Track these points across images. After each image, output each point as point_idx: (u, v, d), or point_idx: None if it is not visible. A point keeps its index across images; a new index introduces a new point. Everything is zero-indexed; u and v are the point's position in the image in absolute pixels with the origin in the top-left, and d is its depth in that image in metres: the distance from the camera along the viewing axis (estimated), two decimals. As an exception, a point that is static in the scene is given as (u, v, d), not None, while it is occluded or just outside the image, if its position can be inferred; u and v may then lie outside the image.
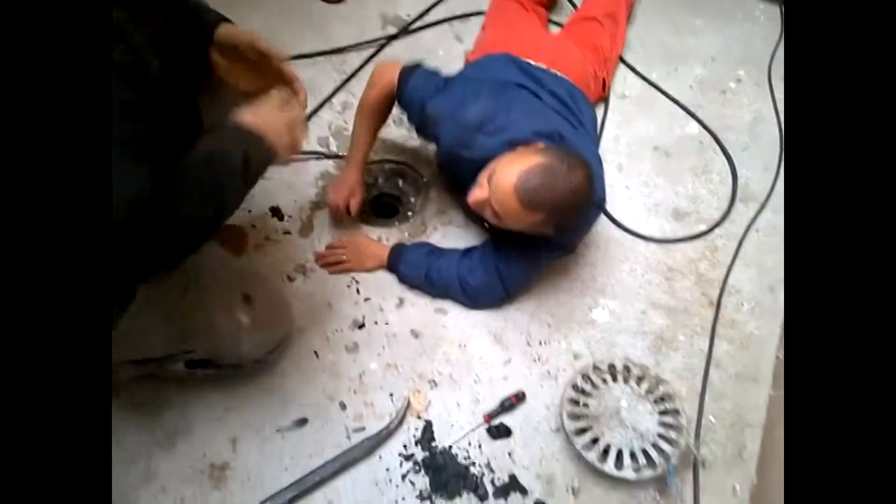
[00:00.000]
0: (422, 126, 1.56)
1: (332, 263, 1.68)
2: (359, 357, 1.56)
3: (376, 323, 1.62)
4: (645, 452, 1.32)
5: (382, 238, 1.78)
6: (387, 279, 1.69)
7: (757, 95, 2.09)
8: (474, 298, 1.60)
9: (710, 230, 1.79)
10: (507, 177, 1.24)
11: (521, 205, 1.24)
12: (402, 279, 1.66)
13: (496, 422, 1.44)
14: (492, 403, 1.47)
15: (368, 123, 1.65)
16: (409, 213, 1.87)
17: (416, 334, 1.60)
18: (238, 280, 1.38)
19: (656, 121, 2.05)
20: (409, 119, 1.59)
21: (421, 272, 1.61)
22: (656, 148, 1.99)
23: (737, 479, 1.35)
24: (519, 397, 1.47)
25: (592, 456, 1.32)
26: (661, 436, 1.34)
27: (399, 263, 1.64)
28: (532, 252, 1.52)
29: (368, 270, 1.68)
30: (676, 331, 1.59)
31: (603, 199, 1.52)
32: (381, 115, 1.65)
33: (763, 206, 1.83)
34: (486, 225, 1.61)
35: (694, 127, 2.05)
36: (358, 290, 1.68)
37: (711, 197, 1.88)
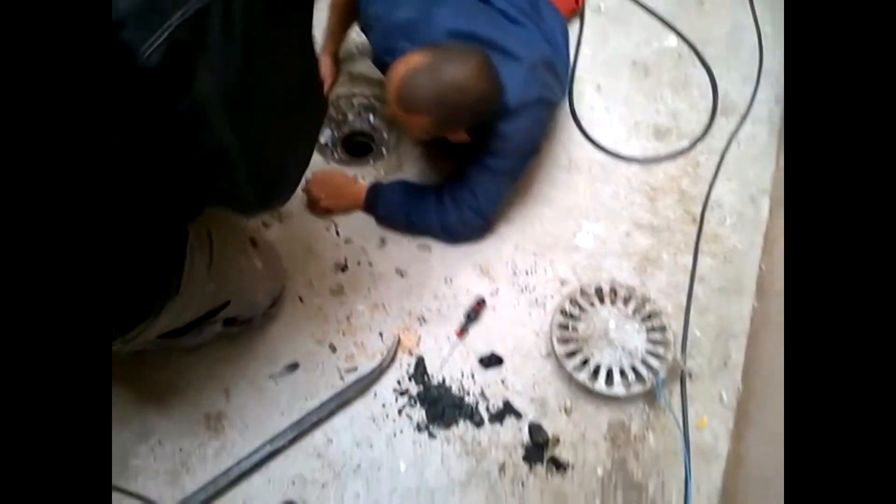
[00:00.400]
0: (366, 35, 1.47)
1: (308, 204, 1.62)
2: (345, 299, 1.53)
3: (359, 264, 1.58)
4: (634, 369, 1.34)
5: (358, 177, 1.71)
6: (366, 219, 1.64)
7: (735, 3, 2.00)
8: (455, 236, 1.56)
9: (692, 147, 1.75)
10: (390, 84, 1.20)
11: (401, 109, 1.21)
12: (381, 221, 1.61)
13: (486, 354, 1.44)
14: (482, 335, 1.47)
15: (337, 19, 1.61)
16: (384, 150, 1.80)
17: (401, 273, 1.57)
18: (239, 226, 1.32)
19: (633, 35, 1.97)
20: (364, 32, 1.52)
21: (401, 215, 1.57)
22: (634, 63, 1.92)
23: (723, 387, 1.38)
24: (481, 303, 1.49)
25: (583, 376, 1.34)
26: (649, 352, 1.36)
27: (377, 205, 1.59)
28: (484, 167, 1.44)
29: (346, 211, 1.63)
30: (661, 250, 1.58)
31: (545, 98, 1.43)
32: (349, 14, 1.57)
33: (744, 118, 1.78)
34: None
35: (672, 40, 1.97)
36: (337, 232, 1.63)
37: (692, 112, 1.83)
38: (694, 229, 1.61)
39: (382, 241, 1.61)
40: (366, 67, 1.87)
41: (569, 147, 1.76)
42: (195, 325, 1.15)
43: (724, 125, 1.80)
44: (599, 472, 1.29)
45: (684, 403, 1.35)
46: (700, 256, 1.56)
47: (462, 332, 1.45)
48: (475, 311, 1.47)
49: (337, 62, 1.85)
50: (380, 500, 1.27)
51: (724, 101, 1.84)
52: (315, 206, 1.62)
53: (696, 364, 1.41)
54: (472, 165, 1.45)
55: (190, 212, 0.96)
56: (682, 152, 1.74)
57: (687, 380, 1.38)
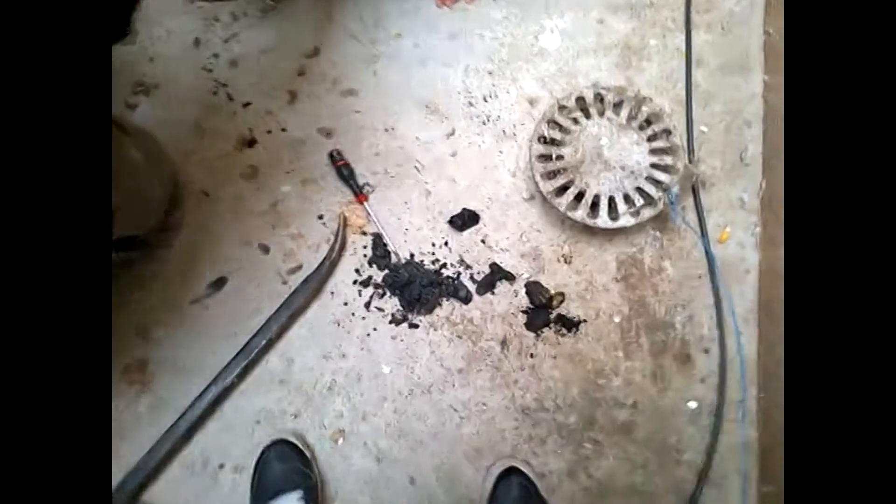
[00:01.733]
0: None
1: None
2: (263, 182, 1.14)
3: (270, 132, 1.17)
4: (640, 190, 1.05)
5: (238, 14, 1.22)
6: (264, 69, 1.19)
7: None
8: None
9: None
10: None
11: None
12: None
13: (457, 213, 1.12)
14: (446, 190, 1.14)
15: None
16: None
17: (326, 132, 1.17)
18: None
19: None
20: None
21: None
22: None
23: (742, 188, 1.11)
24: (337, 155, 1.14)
25: (580, 214, 1.04)
26: (654, 165, 1.05)
27: None
28: None
29: None
30: (644, 33, 1.20)
31: None
32: None
33: None
34: None
35: None
36: (230, 96, 1.18)
37: None
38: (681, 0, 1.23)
39: (292, 97, 1.18)
40: None
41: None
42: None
43: None
44: (617, 319, 1.06)
45: (701, 217, 1.09)
46: (693, 32, 1.19)
47: (362, 195, 1.12)
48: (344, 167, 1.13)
49: None
50: (368, 413, 1.03)
51: None
52: None
53: (708, 167, 1.12)
54: None
55: None
56: None
57: (699, 189, 1.11)
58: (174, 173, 1.10)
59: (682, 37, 1.19)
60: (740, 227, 1.09)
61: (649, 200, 1.04)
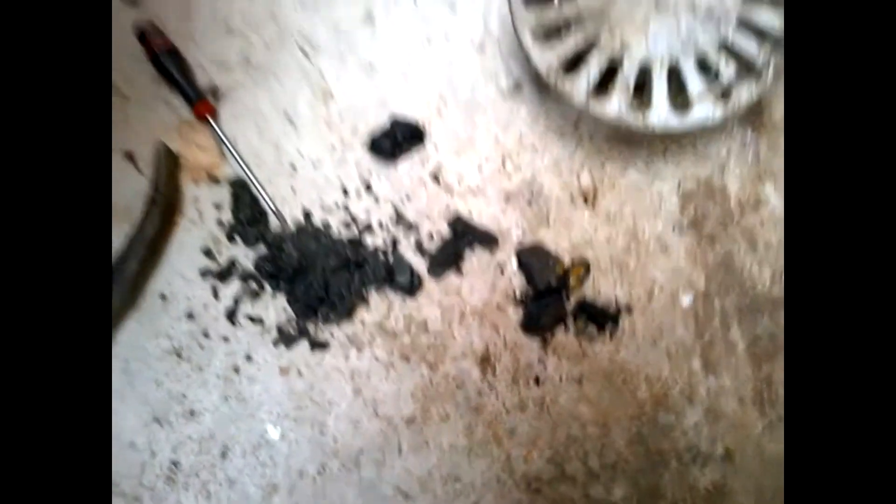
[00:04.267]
0: None
1: None
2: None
3: None
4: (727, 49, 0.51)
5: None
6: None
7: None
8: None
9: None
10: None
11: None
12: None
13: (382, 129, 0.57)
14: (359, 87, 0.59)
15: None
16: None
17: (130, -1, 0.59)
18: None
19: None
20: None
21: None
22: None
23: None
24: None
25: (615, 106, 0.51)
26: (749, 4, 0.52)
27: None
28: None
29: None
30: None
31: None
32: None
33: None
34: None
35: None
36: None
37: None
38: None
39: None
40: None
41: None
42: None
43: None
44: (686, 301, 0.56)
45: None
46: None
47: (205, 103, 0.57)
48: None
49: None
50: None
51: None
52: None
53: None
54: None
55: None
56: None
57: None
58: None
59: None
60: None
61: (749, 67, 0.51)
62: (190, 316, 0.54)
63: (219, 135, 0.57)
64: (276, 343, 0.54)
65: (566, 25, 0.52)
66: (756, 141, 0.56)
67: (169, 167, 0.56)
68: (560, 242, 0.55)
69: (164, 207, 0.55)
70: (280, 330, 0.55)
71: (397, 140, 0.57)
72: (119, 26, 0.58)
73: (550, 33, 0.52)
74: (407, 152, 0.57)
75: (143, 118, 0.58)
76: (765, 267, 0.55)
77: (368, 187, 0.57)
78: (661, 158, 0.56)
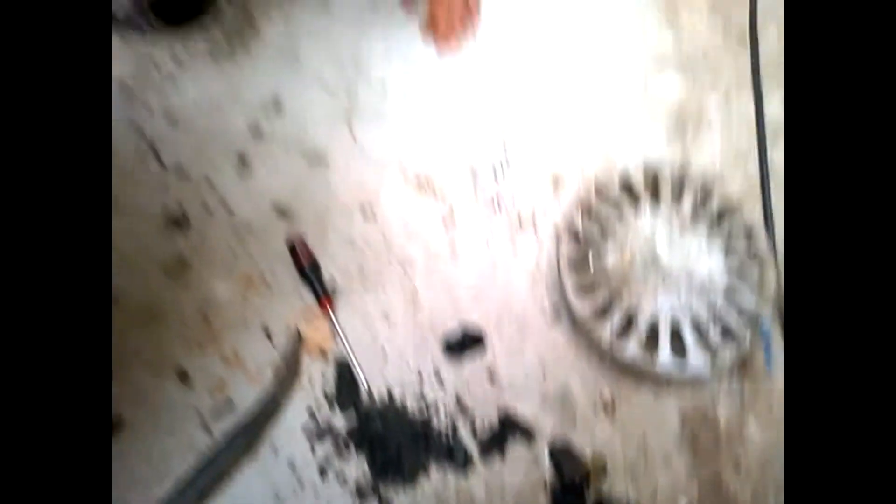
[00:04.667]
0: None
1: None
2: (192, 280, 0.79)
3: (208, 210, 0.81)
4: (715, 318, 0.70)
5: (183, 56, 0.89)
6: (209, 127, 0.85)
7: None
8: None
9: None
10: None
11: None
12: None
13: (454, 333, 0.76)
14: (439, 299, 0.78)
15: None
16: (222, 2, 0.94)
17: (282, 211, 0.82)
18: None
19: None
20: None
21: None
22: None
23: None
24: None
25: (633, 351, 0.69)
26: (735, 280, 0.71)
27: None
28: None
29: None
30: (702, 93, 0.87)
31: None
32: None
33: None
34: None
35: None
36: (160, 161, 0.83)
37: None
38: (745, 52, 0.90)
39: (241, 164, 0.84)
40: None
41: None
42: None
43: None
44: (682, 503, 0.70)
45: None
46: (766, 99, 0.86)
47: (327, 297, 0.77)
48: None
49: None
50: None
51: None
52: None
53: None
54: None
55: None
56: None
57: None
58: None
59: (751, 100, 0.86)
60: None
61: (729, 335, 0.68)
62: (291, 466, 0.70)
63: (333, 323, 0.76)
64: (353, 497, 0.68)
65: (597, 284, 0.71)
66: (741, 385, 0.72)
67: (295, 344, 0.75)
68: (583, 441, 0.70)
69: (289, 375, 0.73)
70: (358, 487, 0.69)
71: (464, 343, 0.75)
72: (274, 234, 0.81)
73: (586, 287, 0.72)
74: (470, 353, 0.75)
75: (280, 304, 0.78)
76: (746, 487, 0.68)
77: (439, 377, 0.74)
78: (666, 387, 0.73)
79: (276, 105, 0.87)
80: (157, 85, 0.88)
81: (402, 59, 0.90)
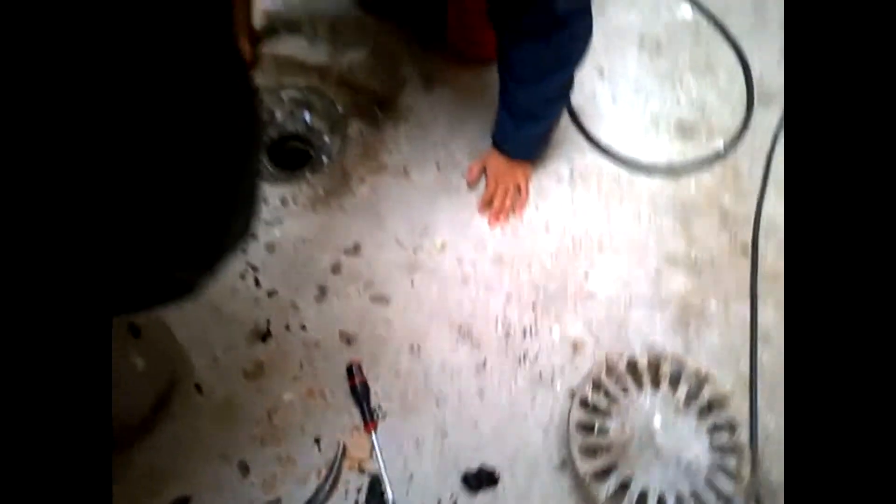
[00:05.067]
0: None
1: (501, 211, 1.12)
2: (265, 385, 0.95)
3: (288, 328, 1.00)
4: (695, 496, 0.81)
5: (288, 199, 1.12)
6: (296, 261, 1.05)
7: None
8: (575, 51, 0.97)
9: (729, 148, 1.21)
10: None
11: None
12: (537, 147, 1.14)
13: (472, 468, 0.89)
14: (464, 434, 0.92)
15: None
16: (324, 158, 1.20)
17: (347, 337, 0.99)
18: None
19: (637, 5, 1.41)
20: None
21: (539, 129, 1.09)
22: (642, 41, 1.36)
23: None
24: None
25: (622, 510, 0.80)
26: (716, 466, 0.83)
27: (517, 148, 1.11)
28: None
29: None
30: (705, 295, 1.04)
31: None
32: None
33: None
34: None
35: (686, 10, 1.42)
36: (257, 282, 1.03)
37: (722, 101, 1.28)
38: (746, 263, 1.08)
39: (321, 293, 1.03)
40: (295, 48, 1.27)
41: (569, 153, 1.20)
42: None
43: (764, 118, 1.26)
44: None
45: (765, 537, 0.84)
46: (760, 305, 1.03)
47: (373, 422, 0.91)
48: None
49: (252, 38, 1.23)
50: None
51: (759, 87, 1.30)
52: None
53: (776, 479, 0.89)
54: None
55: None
56: (717, 157, 1.20)
57: None
58: (173, 372, 0.91)
59: (747, 307, 1.03)
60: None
61: (708, 512, 0.79)
62: (319, 568, 0.81)
63: (374, 444, 0.90)
64: None
65: (600, 449, 0.84)
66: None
67: (339, 456, 0.89)
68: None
69: (330, 486, 0.86)
70: None
71: (481, 479, 0.88)
72: (338, 356, 0.97)
73: (591, 450, 0.84)
74: (484, 489, 0.87)
75: (332, 417, 0.92)
76: None
77: (455, 503, 0.86)
78: (650, 550, 0.82)
79: (356, 249, 1.08)
80: (265, 218, 1.11)
81: (461, 226, 1.11)
